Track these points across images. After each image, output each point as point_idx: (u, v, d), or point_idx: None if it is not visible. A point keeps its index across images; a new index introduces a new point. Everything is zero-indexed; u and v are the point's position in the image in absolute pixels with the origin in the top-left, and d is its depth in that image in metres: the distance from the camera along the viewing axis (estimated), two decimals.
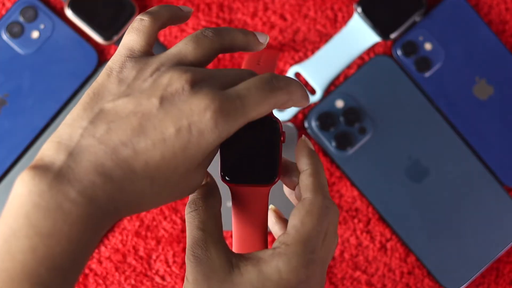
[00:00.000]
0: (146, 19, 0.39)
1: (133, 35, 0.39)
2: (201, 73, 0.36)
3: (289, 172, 0.42)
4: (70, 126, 0.35)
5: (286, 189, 0.44)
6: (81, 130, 0.35)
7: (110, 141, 0.34)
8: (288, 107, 0.39)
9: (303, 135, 0.43)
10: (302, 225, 0.38)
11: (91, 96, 0.36)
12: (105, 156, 0.34)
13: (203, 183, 0.42)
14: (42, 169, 0.34)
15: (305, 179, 0.40)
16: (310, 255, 0.38)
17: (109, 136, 0.35)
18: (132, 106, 0.35)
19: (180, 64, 0.37)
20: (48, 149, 0.35)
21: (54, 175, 0.33)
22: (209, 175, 0.42)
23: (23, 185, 0.33)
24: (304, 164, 0.41)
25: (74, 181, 0.33)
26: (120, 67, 0.37)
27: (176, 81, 0.36)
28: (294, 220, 0.39)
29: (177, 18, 0.41)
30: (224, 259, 0.38)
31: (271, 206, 0.44)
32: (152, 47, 0.39)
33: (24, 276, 0.32)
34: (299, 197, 0.42)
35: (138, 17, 0.39)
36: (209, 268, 0.38)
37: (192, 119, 0.35)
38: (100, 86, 0.37)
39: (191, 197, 0.41)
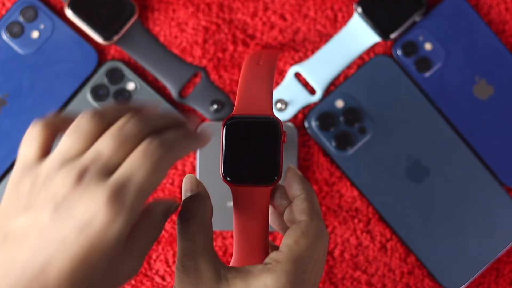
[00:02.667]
0: (36, 129, 0.38)
1: (26, 144, 0.38)
2: (84, 163, 0.35)
3: (279, 194, 0.43)
4: None
5: (270, 217, 0.43)
6: None
7: (19, 263, 0.34)
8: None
9: (290, 165, 0.43)
10: (296, 245, 0.39)
11: (2, 216, 0.36)
12: (19, 280, 0.34)
13: (195, 192, 0.41)
14: None
15: (300, 204, 0.41)
16: (301, 275, 0.38)
17: (10, 271, 0.34)
18: (30, 222, 0.35)
19: (66, 162, 0.36)
20: None
21: None
22: (200, 184, 0.42)
23: None
24: (297, 190, 0.41)
25: None
26: (16, 183, 0.37)
27: (64, 183, 0.35)
28: (288, 240, 0.39)
29: (65, 127, 0.39)
30: (212, 270, 0.38)
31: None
32: (49, 150, 0.38)
33: None
34: (290, 220, 0.42)
35: (30, 127, 0.39)
36: (197, 278, 0.38)
37: (89, 220, 0.34)
38: (4, 206, 0.37)
39: (181, 207, 0.41)
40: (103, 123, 0.37)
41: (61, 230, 0.34)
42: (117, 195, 0.34)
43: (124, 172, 0.35)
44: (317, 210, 0.41)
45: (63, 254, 0.34)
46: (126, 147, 0.35)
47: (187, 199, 0.41)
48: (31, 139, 0.38)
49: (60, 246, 0.34)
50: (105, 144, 0.35)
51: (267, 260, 0.38)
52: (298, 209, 0.40)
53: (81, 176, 0.34)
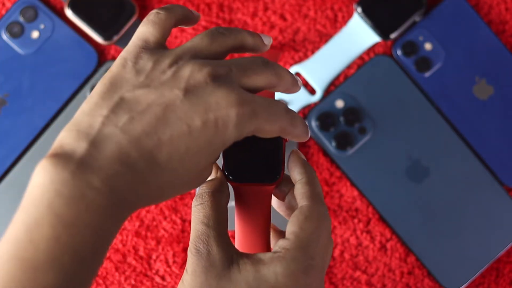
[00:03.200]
0: (162, 13, 0.39)
1: (148, 27, 0.38)
2: (221, 66, 0.36)
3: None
4: (88, 115, 0.35)
5: (274, 202, 0.44)
6: (102, 118, 0.34)
7: (134, 131, 0.34)
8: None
9: (294, 148, 0.43)
10: (302, 231, 0.39)
11: (107, 86, 0.36)
12: (129, 146, 0.34)
13: (213, 177, 0.42)
14: (63, 157, 0.33)
15: (301, 188, 0.41)
16: (309, 261, 0.38)
17: (132, 126, 0.34)
18: (155, 97, 0.35)
19: (196, 58, 0.37)
20: (67, 137, 0.34)
21: (77, 164, 0.33)
22: (219, 170, 0.42)
23: (44, 174, 0.33)
24: (298, 174, 0.41)
25: (98, 170, 0.33)
26: (135, 58, 0.37)
27: (197, 73, 0.35)
28: (293, 227, 0.39)
29: (188, 19, 0.41)
30: (224, 255, 0.38)
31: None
32: (166, 41, 0.39)
33: (47, 265, 0.31)
34: (290, 207, 0.42)
35: (154, 11, 0.39)
36: (209, 262, 0.38)
37: (218, 113, 0.35)
38: (116, 76, 0.36)
39: (199, 190, 0.41)
40: (232, 44, 0.39)
41: (188, 115, 0.34)
42: (248, 108, 0.35)
43: (258, 99, 0.36)
44: (319, 194, 0.41)
45: (183, 138, 0.34)
46: (257, 66, 0.38)
47: (205, 183, 0.41)
48: (155, 22, 0.38)
49: (182, 129, 0.34)
50: (243, 61, 0.37)
51: (276, 248, 0.39)
52: (299, 193, 0.40)
53: (216, 76, 0.36)
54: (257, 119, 0.36)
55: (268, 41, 0.41)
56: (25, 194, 0.33)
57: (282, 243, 0.39)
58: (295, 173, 0.41)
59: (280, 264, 0.37)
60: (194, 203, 0.41)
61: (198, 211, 0.40)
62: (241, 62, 0.37)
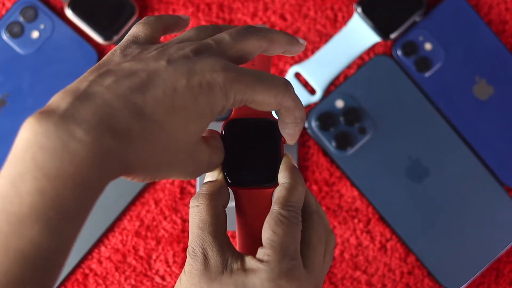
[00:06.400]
0: (152, 17, 0.40)
1: (139, 26, 0.40)
2: (202, 44, 0.37)
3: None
4: (76, 82, 0.36)
5: None
6: (88, 82, 0.35)
7: (119, 89, 0.34)
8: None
9: (287, 152, 0.44)
10: (275, 235, 0.39)
11: (96, 66, 0.37)
12: (113, 98, 0.34)
13: (214, 179, 0.42)
14: (48, 112, 0.33)
15: (279, 192, 0.41)
16: (291, 262, 0.39)
17: (118, 85, 0.34)
18: (140, 66, 0.36)
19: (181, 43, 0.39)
20: (54, 98, 0.35)
21: (60, 116, 0.33)
22: (221, 172, 0.42)
23: (29, 128, 0.33)
24: (283, 178, 0.42)
25: (80, 120, 0.33)
26: (124, 47, 0.38)
27: (181, 50, 0.36)
28: (266, 233, 0.40)
29: (177, 24, 0.42)
30: (219, 259, 0.39)
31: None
32: (156, 42, 0.40)
33: (33, 219, 0.32)
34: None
35: (145, 17, 0.41)
36: (203, 265, 0.39)
37: (203, 76, 0.35)
38: (106, 59, 0.37)
39: (197, 191, 0.41)
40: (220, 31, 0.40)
41: (173, 76, 0.35)
42: (234, 74, 0.36)
43: (243, 55, 0.38)
44: (296, 202, 0.41)
45: (168, 94, 0.35)
46: (243, 37, 0.38)
47: (204, 184, 0.42)
48: (145, 23, 0.40)
49: (167, 86, 0.35)
50: (224, 35, 0.38)
51: (259, 255, 0.39)
52: (276, 196, 0.41)
53: (200, 50, 0.37)
54: (243, 85, 0.36)
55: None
56: (11, 150, 0.34)
57: (262, 250, 0.39)
58: (281, 176, 0.42)
59: (264, 270, 0.38)
60: (191, 203, 0.41)
61: (194, 214, 0.40)
62: (222, 36, 0.38)
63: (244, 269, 0.39)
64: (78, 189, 0.32)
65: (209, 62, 0.36)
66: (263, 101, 0.37)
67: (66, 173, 0.32)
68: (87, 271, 0.68)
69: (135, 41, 0.39)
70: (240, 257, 0.40)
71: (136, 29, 0.40)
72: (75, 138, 0.32)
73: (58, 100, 0.34)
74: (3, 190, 0.32)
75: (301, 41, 0.41)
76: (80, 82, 0.35)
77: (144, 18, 0.41)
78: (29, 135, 0.33)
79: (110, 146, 0.33)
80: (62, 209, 0.32)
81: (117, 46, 0.39)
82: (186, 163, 0.37)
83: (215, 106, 0.36)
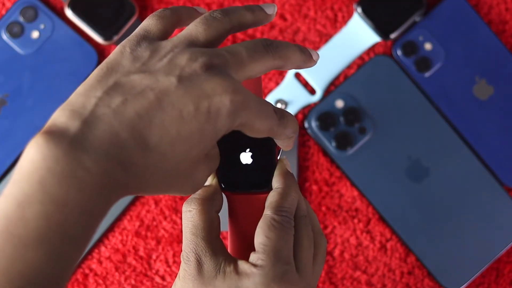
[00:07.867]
0: (168, 10, 0.40)
1: (153, 19, 0.39)
2: (216, 56, 0.36)
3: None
4: (83, 96, 0.35)
5: None
6: (96, 100, 0.34)
7: (126, 113, 0.34)
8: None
9: (284, 157, 0.44)
10: (268, 240, 0.39)
11: (104, 70, 0.36)
12: (120, 127, 0.34)
13: (209, 183, 0.42)
14: (56, 134, 0.33)
15: (271, 197, 0.41)
16: (284, 266, 0.39)
17: (125, 108, 0.34)
18: (149, 82, 0.35)
19: (192, 45, 0.37)
20: (61, 116, 0.34)
21: (70, 142, 0.33)
22: (215, 177, 0.42)
23: (37, 149, 0.33)
24: (276, 182, 0.42)
25: (89, 149, 0.33)
26: (134, 45, 0.37)
27: (192, 63, 0.36)
28: (259, 238, 0.40)
29: (192, 19, 0.41)
30: (212, 264, 0.40)
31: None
32: (168, 37, 0.39)
33: (37, 243, 0.32)
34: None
35: (160, 9, 0.40)
36: (196, 270, 0.40)
37: (212, 100, 0.35)
38: (114, 61, 0.36)
39: (190, 197, 0.41)
40: (230, 25, 0.39)
41: (181, 101, 0.34)
42: (243, 98, 0.35)
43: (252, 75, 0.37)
44: (289, 207, 0.41)
45: (174, 122, 0.34)
46: (256, 52, 0.38)
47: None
48: (159, 17, 0.39)
49: (174, 113, 0.34)
50: (241, 49, 0.37)
51: (252, 260, 0.39)
52: (268, 201, 0.41)
53: (211, 65, 0.36)
54: (248, 112, 0.36)
55: (272, 10, 0.41)
56: (17, 168, 0.33)
57: (255, 255, 0.40)
58: (274, 181, 0.42)
59: (258, 274, 0.39)
60: (184, 208, 0.41)
61: (187, 219, 0.41)
62: (238, 49, 0.37)
63: (237, 273, 0.39)
64: (84, 216, 0.33)
65: (220, 83, 0.35)
66: (258, 128, 0.37)
67: (73, 200, 0.32)
68: (87, 271, 0.68)
69: (146, 37, 0.38)
70: (233, 261, 0.40)
71: (149, 22, 0.39)
72: (83, 167, 0.32)
73: (65, 121, 0.34)
74: (8, 211, 0.32)
75: (315, 57, 0.41)
76: (87, 97, 0.35)
77: (159, 10, 0.40)
78: (37, 156, 0.33)
79: (117, 178, 0.33)
80: (67, 235, 0.32)
81: (126, 41, 0.38)
82: (185, 183, 0.38)
83: (220, 131, 0.36)
